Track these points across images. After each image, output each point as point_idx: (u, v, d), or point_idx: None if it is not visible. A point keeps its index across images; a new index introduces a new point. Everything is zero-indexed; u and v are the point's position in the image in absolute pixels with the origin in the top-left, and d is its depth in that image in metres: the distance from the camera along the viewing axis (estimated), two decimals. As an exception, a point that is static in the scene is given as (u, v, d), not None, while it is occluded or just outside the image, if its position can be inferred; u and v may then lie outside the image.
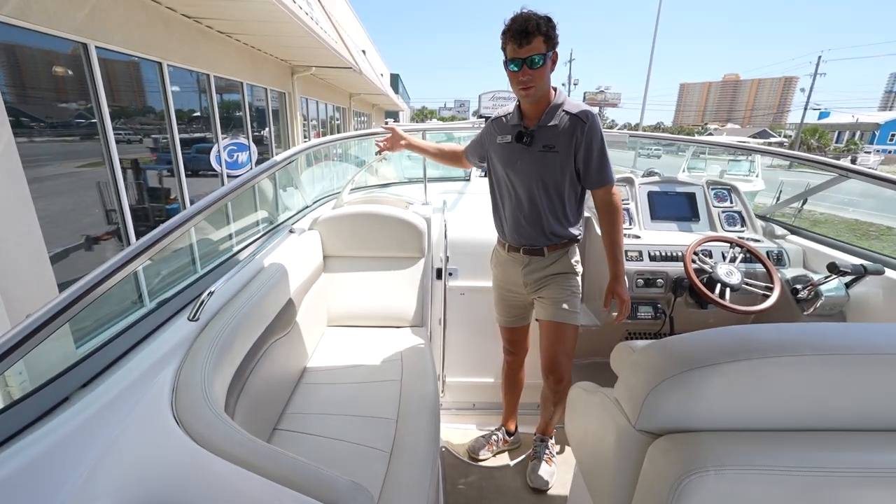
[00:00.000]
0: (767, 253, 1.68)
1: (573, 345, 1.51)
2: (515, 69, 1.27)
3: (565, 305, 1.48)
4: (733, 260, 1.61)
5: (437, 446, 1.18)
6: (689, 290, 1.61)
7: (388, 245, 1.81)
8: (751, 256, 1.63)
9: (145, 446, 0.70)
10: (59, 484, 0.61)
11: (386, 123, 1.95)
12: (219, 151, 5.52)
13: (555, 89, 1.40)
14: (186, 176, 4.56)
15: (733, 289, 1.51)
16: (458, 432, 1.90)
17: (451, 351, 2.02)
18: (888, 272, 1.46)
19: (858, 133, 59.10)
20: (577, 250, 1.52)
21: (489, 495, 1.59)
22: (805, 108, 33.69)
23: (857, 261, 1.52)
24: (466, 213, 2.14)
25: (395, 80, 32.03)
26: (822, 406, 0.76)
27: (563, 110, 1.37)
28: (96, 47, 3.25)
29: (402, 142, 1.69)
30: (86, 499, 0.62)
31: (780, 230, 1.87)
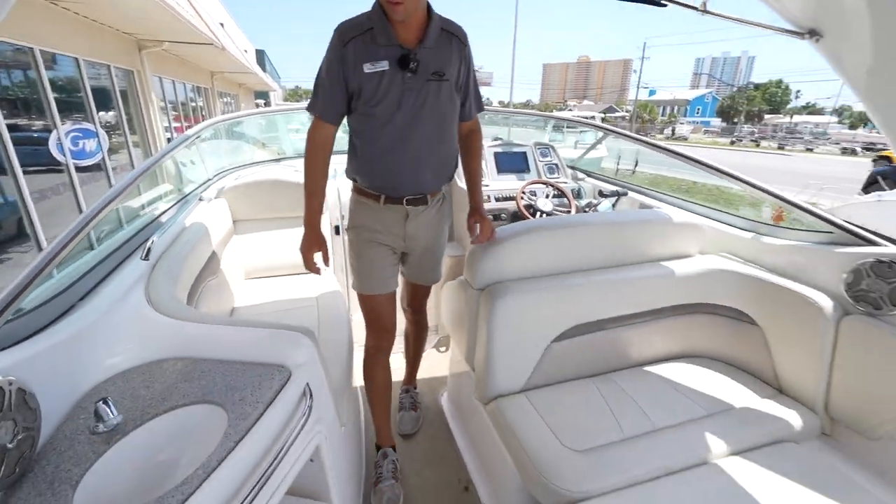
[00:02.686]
0: (571, 190, 2.40)
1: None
2: None
3: (440, 267, 1.57)
4: (549, 196, 2.29)
5: (351, 349, 1.59)
6: (521, 219, 2.24)
7: (290, 207, 2.10)
8: (560, 192, 2.32)
9: (131, 326, 0.98)
10: (90, 350, 0.88)
11: (257, 105, 2.15)
12: (59, 139, 4.85)
13: (428, 4, 1.19)
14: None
15: (547, 213, 2.17)
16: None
17: (354, 294, 2.42)
18: (630, 194, 2.27)
19: (676, 108, 71.94)
20: None
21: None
22: (637, 88, 40.30)
23: (615, 188, 2.30)
24: None
25: (260, 57, 29.35)
26: (566, 257, 1.41)
27: (441, 29, 1.20)
28: None
29: (319, 245, 1.37)
30: (105, 358, 0.90)
31: (581, 175, 2.64)
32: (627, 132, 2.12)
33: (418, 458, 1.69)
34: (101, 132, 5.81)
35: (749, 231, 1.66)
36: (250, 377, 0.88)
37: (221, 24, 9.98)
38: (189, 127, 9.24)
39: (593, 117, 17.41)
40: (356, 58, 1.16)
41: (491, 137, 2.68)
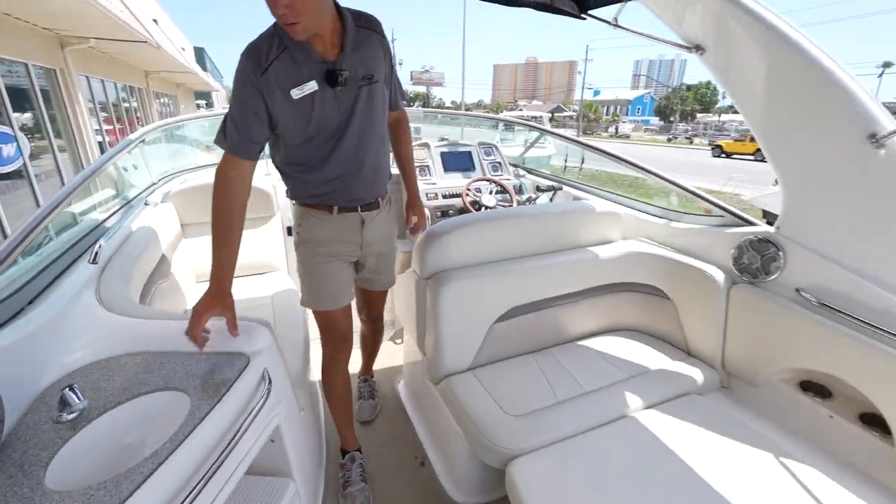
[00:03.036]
0: (513, 186, 2.58)
1: None
2: None
3: (395, 269, 1.58)
4: (492, 192, 2.45)
5: (307, 335, 1.65)
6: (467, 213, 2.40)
7: None
8: (503, 189, 2.49)
9: (85, 325, 1.01)
10: (44, 350, 0.91)
11: (199, 108, 2.15)
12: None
13: (336, 5, 1.09)
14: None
15: (491, 208, 2.33)
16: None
17: None
18: (565, 188, 2.49)
19: (619, 107, 75.79)
20: None
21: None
22: (582, 88, 42.27)
23: (551, 183, 2.51)
24: None
25: (200, 55, 27.85)
26: (505, 246, 1.57)
27: (356, 27, 1.11)
28: None
29: (224, 307, 1.07)
30: (61, 356, 0.93)
31: (522, 172, 2.84)
32: (553, 130, 2.33)
33: (377, 442, 1.79)
34: (21, 136, 5.37)
35: (662, 217, 1.90)
36: (210, 365, 0.95)
37: (155, 21, 9.44)
38: (122, 130, 8.64)
39: (541, 117, 18.12)
40: (279, 85, 1.04)
41: (437, 137, 2.81)
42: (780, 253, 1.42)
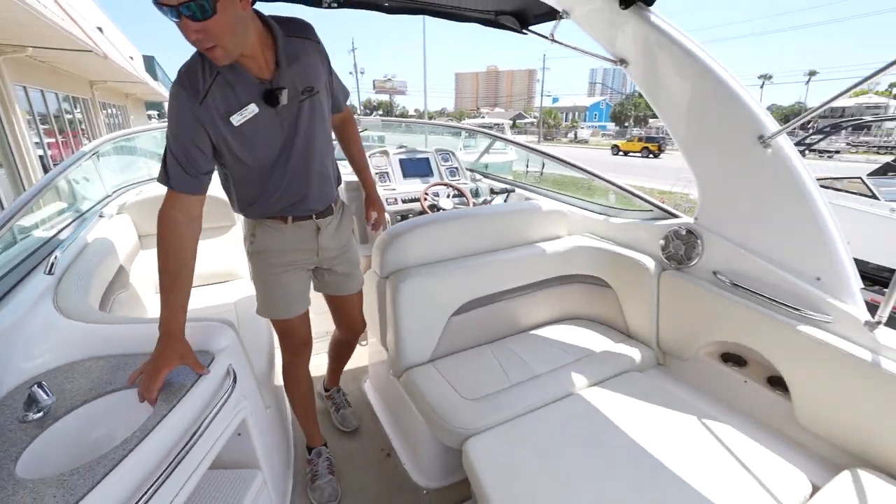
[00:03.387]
0: (469, 190, 2.72)
1: None
2: (175, 20, 0.84)
3: (359, 271, 1.57)
4: (449, 196, 2.57)
5: (273, 343, 1.69)
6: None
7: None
8: (459, 192, 2.61)
9: (45, 333, 1.04)
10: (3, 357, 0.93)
11: (150, 119, 2.13)
12: None
13: (262, 19, 1.03)
14: None
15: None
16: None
17: None
18: (518, 190, 2.65)
19: (577, 113, 78.55)
20: None
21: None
22: (542, 96, 43.70)
23: (505, 186, 2.67)
24: None
25: (150, 64, 26.68)
26: (459, 244, 1.68)
27: (287, 38, 1.06)
28: None
29: (182, 356, 0.96)
30: (21, 362, 0.96)
31: (478, 176, 2.98)
32: (503, 136, 2.48)
33: (346, 437, 1.85)
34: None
35: (602, 214, 2.08)
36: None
37: (100, 29, 9.04)
38: (65, 143, 8.18)
39: (502, 124, 18.63)
40: (217, 113, 1.00)
41: (396, 145, 2.91)
42: (699, 241, 1.61)
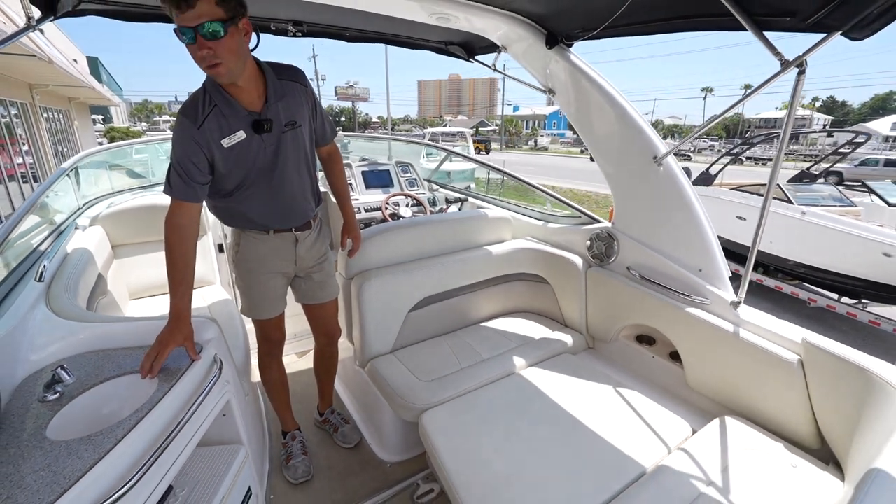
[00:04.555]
0: (427, 199, 2.97)
1: None
2: (189, 41, 1.04)
3: (334, 280, 1.68)
4: (409, 205, 2.81)
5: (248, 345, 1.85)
6: None
7: None
8: (418, 202, 2.86)
9: (47, 331, 1.18)
10: (12, 352, 1.07)
11: (95, 123, 2.23)
12: None
13: (257, 62, 1.25)
14: None
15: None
16: None
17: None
18: (471, 199, 2.93)
19: (537, 122, 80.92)
20: None
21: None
22: (502, 104, 44.91)
23: (458, 195, 2.94)
24: None
25: (94, 66, 25.30)
26: (415, 248, 1.93)
27: (279, 80, 1.28)
28: None
29: (185, 338, 1.14)
30: (29, 355, 1.10)
31: (435, 186, 3.25)
32: (450, 149, 2.76)
33: (320, 430, 2.02)
34: None
35: (541, 220, 2.38)
36: (171, 352, 1.16)
37: (41, 31, 8.61)
38: (3, 148, 7.75)
39: (463, 132, 19.16)
40: (212, 136, 1.21)
41: (359, 157, 3.12)
42: (616, 242, 1.93)
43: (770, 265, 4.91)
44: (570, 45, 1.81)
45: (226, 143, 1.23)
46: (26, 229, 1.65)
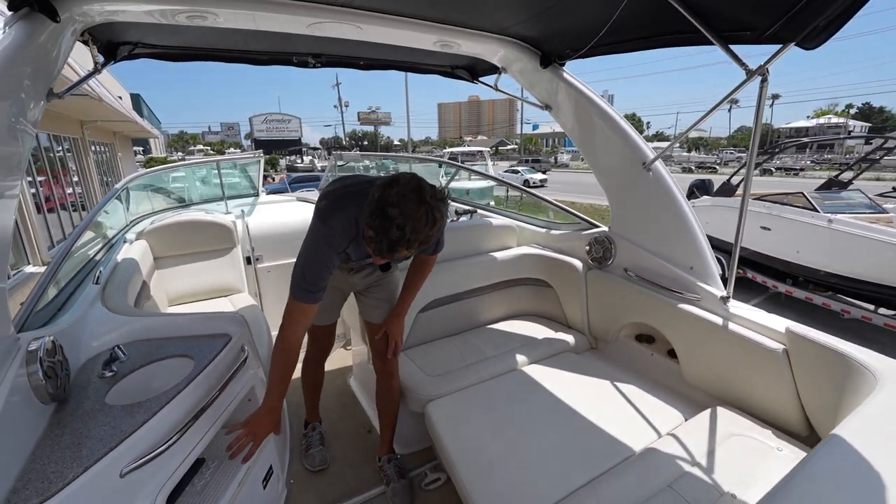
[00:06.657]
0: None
1: None
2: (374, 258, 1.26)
3: (383, 309, 1.74)
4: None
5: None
6: None
7: (206, 242, 2.50)
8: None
9: (104, 323, 1.38)
10: (79, 337, 1.27)
11: (136, 154, 2.53)
12: None
13: None
14: None
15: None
16: None
17: (267, 312, 2.82)
18: (479, 211, 3.08)
19: (557, 139, 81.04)
20: None
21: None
22: (521, 124, 45.56)
23: (468, 208, 3.10)
24: (262, 216, 2.96)
25: (137, 102, 27.30)
26: None
27: None
28: None
29: (275, 428, 1.35)
30: (90, 341, 1.30)
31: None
32: (464, 165, 2.93)
33: (334, 419, 2.17)
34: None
35: (544, 227, 2.50)
36: (206, 341, 1.34)
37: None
38: (56, 181, 8.46)
39: (481, 151, 19.57)
40: (343, 253, 1.39)
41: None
42: (613, 245, 2.03)
43: (799, 276, 4.77)
44: (563, 65, 1.97)
45: (354, 264, 1.54)
46: (85, 241, 1.90)
